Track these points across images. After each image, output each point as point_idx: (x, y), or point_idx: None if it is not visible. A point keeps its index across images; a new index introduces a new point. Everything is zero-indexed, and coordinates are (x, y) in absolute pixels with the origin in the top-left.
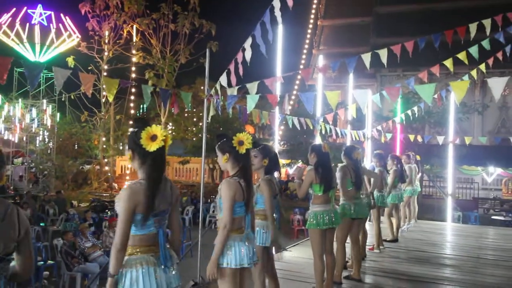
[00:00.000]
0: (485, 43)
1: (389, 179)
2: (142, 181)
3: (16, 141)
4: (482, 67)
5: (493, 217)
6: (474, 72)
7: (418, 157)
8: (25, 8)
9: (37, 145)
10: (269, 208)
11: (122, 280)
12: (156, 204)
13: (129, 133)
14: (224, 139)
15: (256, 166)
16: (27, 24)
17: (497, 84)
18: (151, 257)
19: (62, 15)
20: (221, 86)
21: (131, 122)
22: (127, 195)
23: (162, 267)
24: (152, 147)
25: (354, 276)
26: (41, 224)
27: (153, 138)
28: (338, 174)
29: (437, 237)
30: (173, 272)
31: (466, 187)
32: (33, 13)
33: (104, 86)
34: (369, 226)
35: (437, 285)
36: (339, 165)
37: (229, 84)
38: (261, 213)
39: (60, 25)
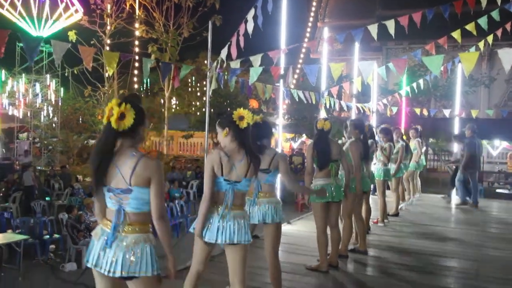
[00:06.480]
0: (495, 14)
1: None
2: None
3: (21, 116)
4: (490, 39)
5: (498, 190)
6: (481, 44)
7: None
8: None
9: (42, 120)
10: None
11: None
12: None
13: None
14: (225, 115)
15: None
16: None
17: (507, 55)
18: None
19: None
20: (224, 60)
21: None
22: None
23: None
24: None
25: (360, 249)
26: (46, 198)
27: (241, 118)
28: (351, 148)
29: (441, 211)
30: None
31: None
32: None
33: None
34: (372, 200)
35: (441, 259)
36: (350, 140)
37: (230, 57)
38: (265, 189)
39: None
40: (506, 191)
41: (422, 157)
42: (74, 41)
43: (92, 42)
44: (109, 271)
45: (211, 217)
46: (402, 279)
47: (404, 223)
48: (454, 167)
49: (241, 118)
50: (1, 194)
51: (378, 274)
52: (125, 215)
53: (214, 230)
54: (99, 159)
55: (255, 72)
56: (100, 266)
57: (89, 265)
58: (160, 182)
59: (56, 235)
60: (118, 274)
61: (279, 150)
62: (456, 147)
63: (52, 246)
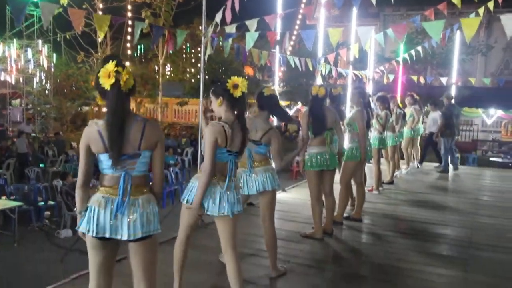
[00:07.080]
0: None
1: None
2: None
3: (13, 82)
4: (491, 5)
5: (491, 158)
6: (481, 10)
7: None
8: None
9: (34, 86)
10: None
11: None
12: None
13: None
14: (219, 83)
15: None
16: None
17: (510, 21)
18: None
19: None
20: (218, 24)
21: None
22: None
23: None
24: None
25: (355, 216)
26: (40, 165)
27: (235, 86)
28: (356, 117)
29: (435, 179)
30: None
31: (466, 129)
32: None
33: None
34: (367, 168)
35: (435, 226)
36: (355, 109)
37: (223, 21)
38: (258, 159)
39: None
40: (499, 160)
41: (420, 124)
42: (65, 5)
43: (84, 6)
44: (129, 235)
45: (213, 189)
46: (396, 246)
47: (399, 191)
48: (428, 133)
49: (235, 86)
50: None
51: (372, 241)
52: (131, 179)
53: (217, 203)
54: (119, 126)
55: (251, 37)
56: (116, 233)
57: (100, 235)
58: (164, 146)
59: (50, 202)
60: (139, 236)
61: (274, 118)
62: (432, 114)
63: (47, 213)
